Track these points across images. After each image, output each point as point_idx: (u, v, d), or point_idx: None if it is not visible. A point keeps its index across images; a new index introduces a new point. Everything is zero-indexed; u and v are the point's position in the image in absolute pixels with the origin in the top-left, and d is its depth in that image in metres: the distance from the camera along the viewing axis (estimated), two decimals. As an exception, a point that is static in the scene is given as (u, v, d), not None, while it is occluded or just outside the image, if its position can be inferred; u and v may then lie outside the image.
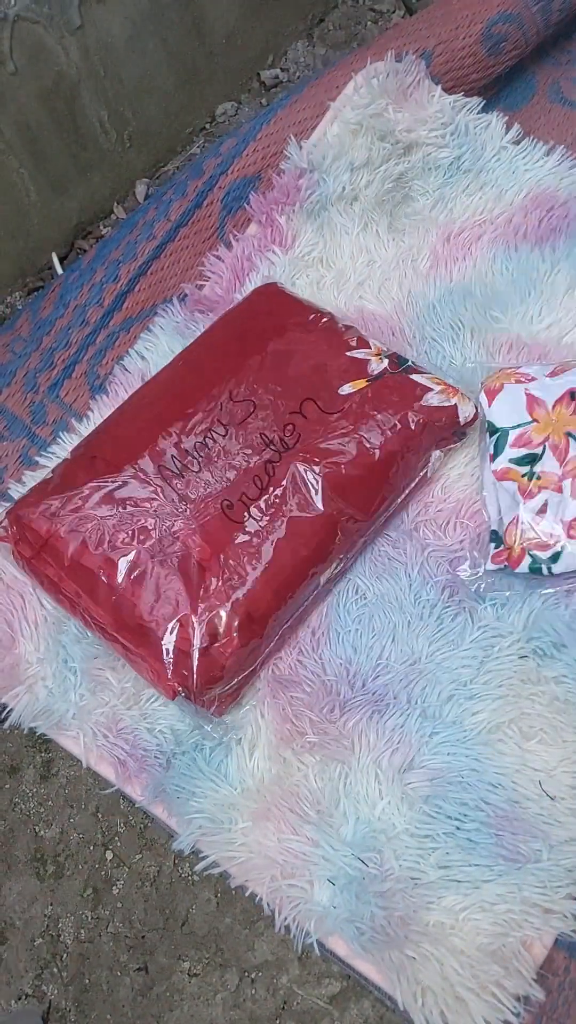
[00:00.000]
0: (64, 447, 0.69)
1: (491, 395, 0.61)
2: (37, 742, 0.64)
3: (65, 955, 0.60)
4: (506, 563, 0.57)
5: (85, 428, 0.69)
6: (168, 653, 0.52)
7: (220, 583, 0.53)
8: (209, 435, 0.58)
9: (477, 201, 0.69)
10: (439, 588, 0.59)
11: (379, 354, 0.60)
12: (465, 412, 0.60)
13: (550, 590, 0.57)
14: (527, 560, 0.56)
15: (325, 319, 0.62)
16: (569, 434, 0.58)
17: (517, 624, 0.57)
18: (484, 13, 0.70)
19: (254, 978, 0.58)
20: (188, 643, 0.51)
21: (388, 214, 0.70)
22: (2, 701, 0.62)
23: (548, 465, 0.58)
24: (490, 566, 0.58)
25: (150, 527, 0.54)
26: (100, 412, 0.69)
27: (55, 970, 0.60)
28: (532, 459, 0.58)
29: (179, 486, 0.56)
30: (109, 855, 0.62)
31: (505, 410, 0.60)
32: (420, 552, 0.60)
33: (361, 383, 0.59)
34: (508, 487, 0.58)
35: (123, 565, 0.53)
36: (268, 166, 0.72)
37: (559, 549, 0.56)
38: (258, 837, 0.55)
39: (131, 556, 0.53)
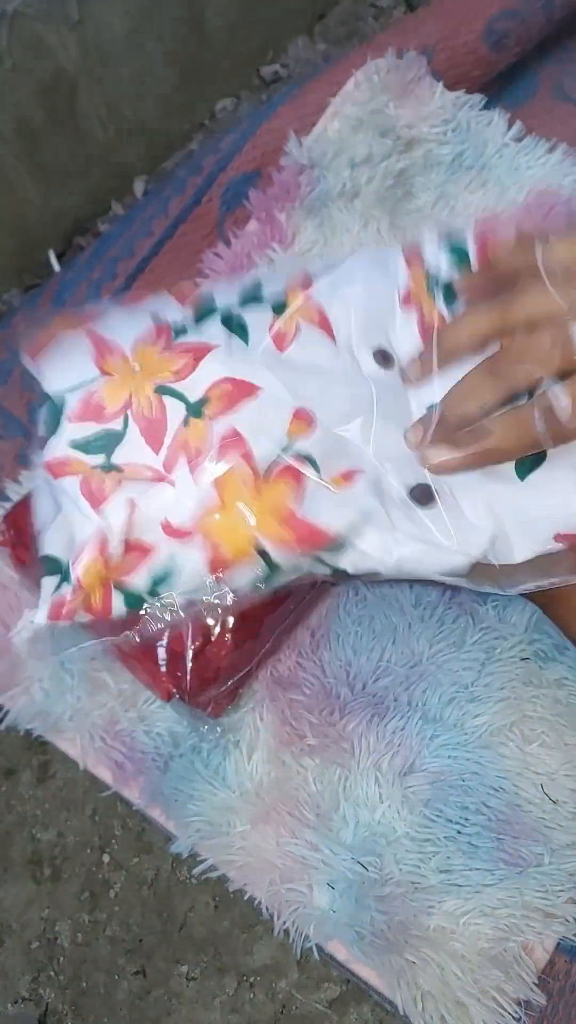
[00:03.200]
0: (62, 446, 0.68)
1: (36, 353, 0.36)
2: (34, 744, 0.64)
3: (62, 958, 0.60)
4: (77, 613, 0.35)
5: (83, 427, 0.68)
6: (162, 654, 0.51)
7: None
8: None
9: (479, 198, 0.69)
10: (440, 589, 0.58)
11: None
12: None
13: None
14: (118, 599, 0.35)
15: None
16: (162, 389, 0.34)
17: (519, 626, 0.56)
18: (486, 9, 0.70)
19: (253, 982, 0.57)
20: (181, 644, 0.51)
21: (389, 211, 0.69)
22: (-2, 703, 0.61)
23: (134, 451, 0.34)
24: (36, 623, 0.35)
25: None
26: (98, 411, 0.69)
27: (52, 973, 0.60)
28: (108, 440, 0.34)
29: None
30: (106, 858, 0.61)
31: (62, 367, 0.35)
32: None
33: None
34: (69, 486, 0.34)
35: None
36: (268, 163, 0.72)
37: (161, 564, 0.34)
38: (257, 841, 0.55)
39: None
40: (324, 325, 0.36)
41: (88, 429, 0.34)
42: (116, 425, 0.34)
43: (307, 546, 0.34)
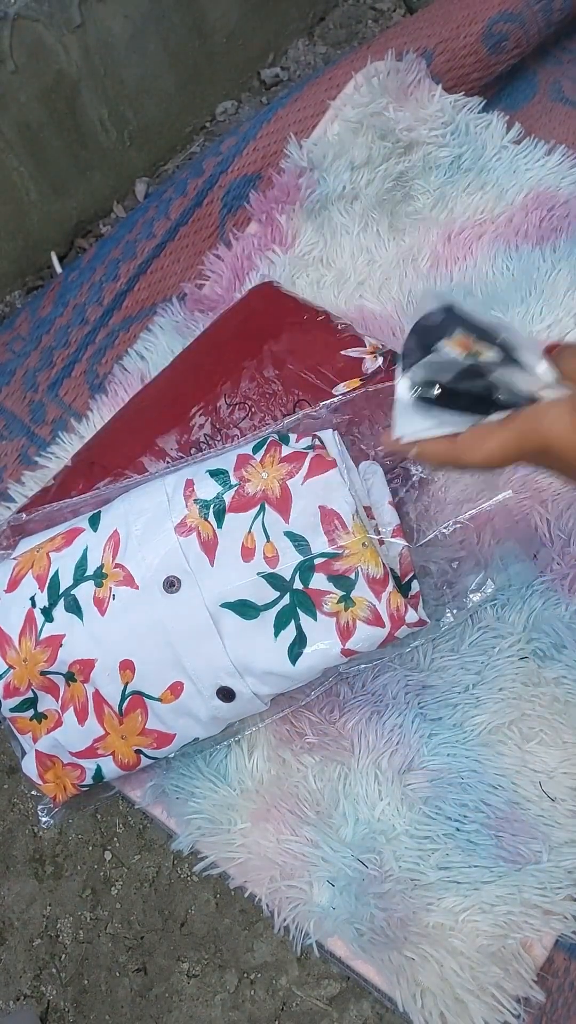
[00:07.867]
0: (63, 447, 0.68)
1: None
2: (36, 742, 0.64)
3: (64, 956, 0.60)
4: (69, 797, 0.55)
5: (84, 428, 0.69)
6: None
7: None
8: (206, 439, 0.58)
9: (478, 200, 0.69)
10: (439, 590, 0.59)
11: (374, 352, 0.60)
12: None
13: (549, 581, 0.57)
14: (88, 783, 0.54)
15: (320, 317, 0.62)
16: (44, 673, 0.51)
17: (517, 625, 0.57)
18: (485, 12, 0.70)
19: (253, 979, 0.57)
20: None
21: (388, 213, 0.70)
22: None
23: (47, 702, 0.52)
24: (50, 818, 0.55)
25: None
26: (99, 412, 0.69)
27: (54, 971, 0.60)
28: (31, 703, 0.52)
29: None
30: (108, 856, 0.62)
31: None
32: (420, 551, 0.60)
33: (355, 382, 0.58)
34: (23, 740, 0.54)
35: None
36: (268, 165, 0.72)
37: (94, 771, 0.52)
38: (257, 838, 0.55)
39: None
40: (128, 581, 0.49)
41: (16, 700, 0.52)
42: (29, 695, 0.52)
43: (163, 744, 0.52)
